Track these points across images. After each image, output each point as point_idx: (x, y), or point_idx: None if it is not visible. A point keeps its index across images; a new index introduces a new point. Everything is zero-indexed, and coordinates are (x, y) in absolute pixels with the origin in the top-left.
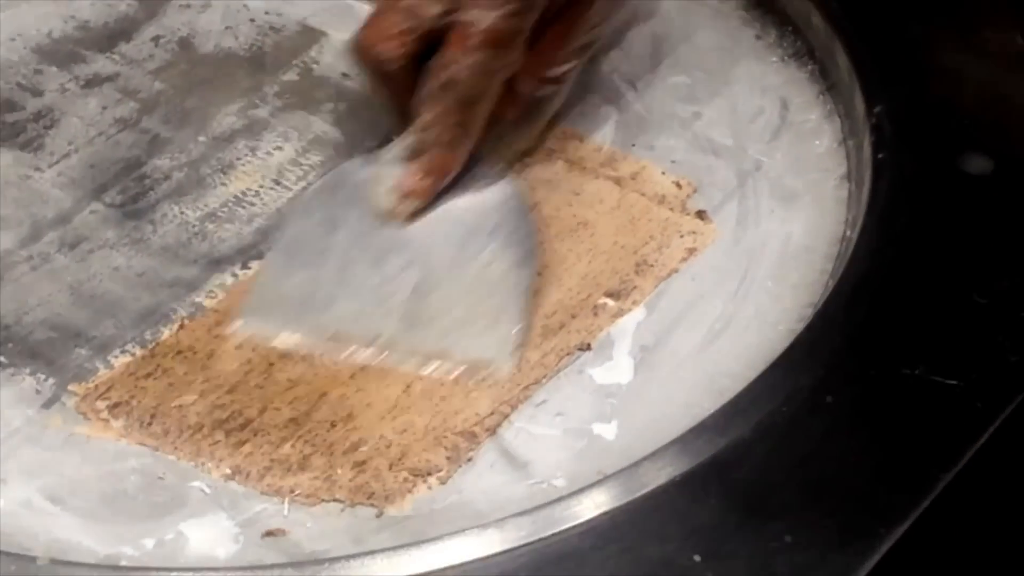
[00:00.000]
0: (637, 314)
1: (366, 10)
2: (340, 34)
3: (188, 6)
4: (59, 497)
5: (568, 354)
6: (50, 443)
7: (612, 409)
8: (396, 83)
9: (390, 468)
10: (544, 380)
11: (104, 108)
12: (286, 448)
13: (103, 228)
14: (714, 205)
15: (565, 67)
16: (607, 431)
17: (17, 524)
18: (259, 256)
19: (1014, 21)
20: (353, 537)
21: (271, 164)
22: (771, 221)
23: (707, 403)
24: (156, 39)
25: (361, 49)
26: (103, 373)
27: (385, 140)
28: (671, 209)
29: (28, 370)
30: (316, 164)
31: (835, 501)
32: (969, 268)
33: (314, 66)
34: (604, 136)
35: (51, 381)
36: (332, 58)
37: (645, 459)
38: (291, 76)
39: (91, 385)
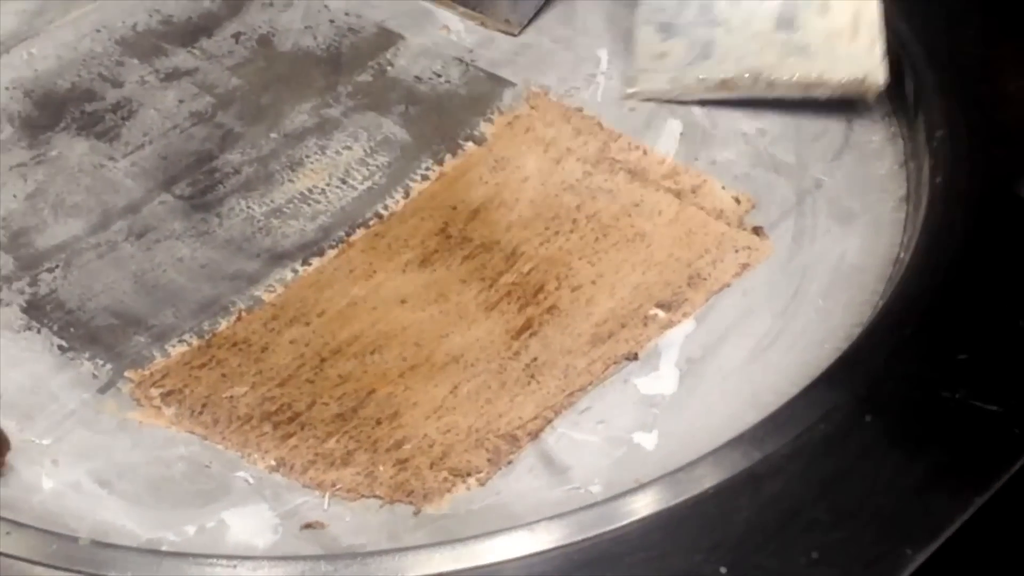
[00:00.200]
0: (686, 326)
1: (444, 15)
2: (417, 38)
3: (270, 4)
4: (107, 480)
5: (615, 363)
6: (103, 427)
7: (654, 419)
8: None
9: (431, 467)
10: (589, 387)
11: (181, 101)
12: (331, 443)
13: (171, 219)
14: (771, 221)
15: None
16: (647, 440)
17: (65, 505)
18: (320, 253)
19: None
20: (389, 533)
21: (339, 163)
22: (826, 240)
23: (749, 417)
24: (237, 35)
25: None
26: (159, 361)
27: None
28: (728, 224)
29: (87, 355)
30: (383, 165)
31: (865, 520)
32: (1017, 295)
33: (388, 68)
34: (668, 148)
35: (108, 367)
36: (407, 61)
37: (680, 470)
38: (365, 77)
39: (147, 372)
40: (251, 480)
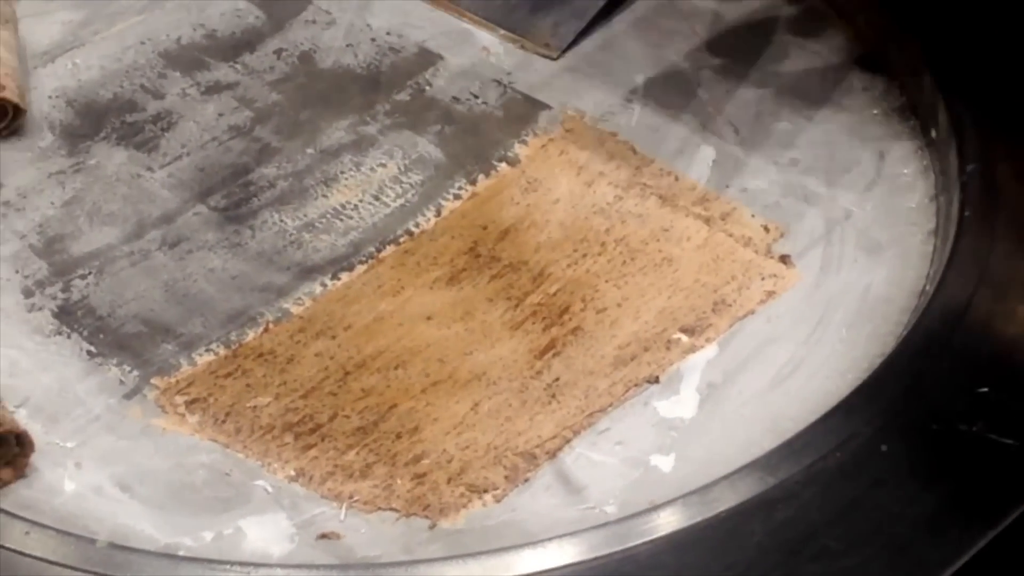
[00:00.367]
0: (709, 351)
1: (484, 37)
2: (456, 59)
3: (313, 22)
4: (128, 485)
5: (636, 385)
6: (126, 432)
7: (672, 442)
8: None
9: (448, 482)
10: (609, 408)
11: (220, 115)
12: (351, 455)
13: (204, 230)
14: (799, 250)
15: None
16: (664, 463)
17: (86, 508)
18: (350, 268)
19: None
20: (404, 546)
21: (373, 180)
22: (853, 270)
23: (766, 443)
24: (279, 52)
25: None
26: (185, 369)
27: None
28: (756, 251)
29: (115, 361)
30: (416, 183)
31: (874, 549)
32: None
33: (427, 88)
34: (700, 175)
35: (135, 373)
36: (445, 81)
37: (693, 493)
38: (403, 96)
39: (173, 380)
40: (270, 489)
